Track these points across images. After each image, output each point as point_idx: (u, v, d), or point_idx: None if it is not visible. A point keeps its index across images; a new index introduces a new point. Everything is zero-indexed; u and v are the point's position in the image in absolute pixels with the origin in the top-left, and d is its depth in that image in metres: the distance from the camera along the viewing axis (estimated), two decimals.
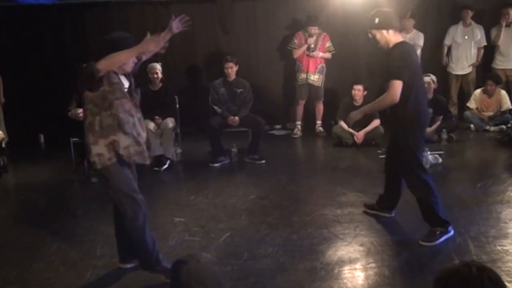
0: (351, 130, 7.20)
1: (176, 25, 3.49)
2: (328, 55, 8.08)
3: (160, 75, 6.95)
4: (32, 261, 4.05)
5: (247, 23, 8.79)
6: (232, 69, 6.96)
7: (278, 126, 8.93)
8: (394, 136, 4.36)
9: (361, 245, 4.12)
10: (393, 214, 4.68)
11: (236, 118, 6.83)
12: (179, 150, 7.12)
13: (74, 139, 6.33)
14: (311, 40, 7.92)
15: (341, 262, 3.83)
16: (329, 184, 5.84)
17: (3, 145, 6.98)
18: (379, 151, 6.74)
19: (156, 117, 6.80)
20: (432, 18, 8.82)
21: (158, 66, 7.00)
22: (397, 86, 4.00)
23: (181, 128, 7.20)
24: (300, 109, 8.31)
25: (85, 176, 6.34)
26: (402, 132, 4.17)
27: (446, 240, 4.11)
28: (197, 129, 8.35)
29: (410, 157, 4.15)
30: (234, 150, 6.85)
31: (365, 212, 4.77)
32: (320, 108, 8.31)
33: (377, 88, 8.54)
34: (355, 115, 4.48)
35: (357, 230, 4.41)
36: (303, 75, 8.08)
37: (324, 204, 5.12)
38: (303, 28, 8.08)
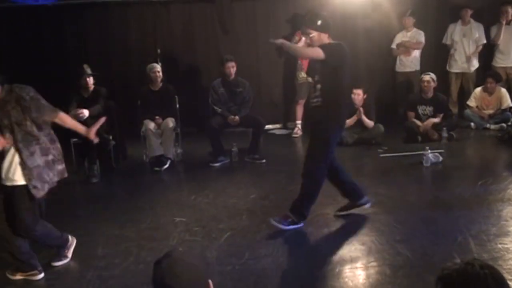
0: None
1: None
2: None
3: (160, 75, 6.96)
4: None
5: (246, 23, 8.78)
6: (233, 69, 6.97)
7: (278, 126, 8.93)
8: (314, 130, 4.56)
9: (362, 244, 4.12)
10: (368, 205, 4.71)
11: (236, 117, 6.83)
12: (179, 150, 7.12)
13: (74, 140, 6.33)
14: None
15: (342, 261, 3.83)
16: (329, 183, 5.81)
17: None
18: (379, 150, 6.74)
19: (157, 117, 6.81)
20: (432, 17, 8.81)
21: (158, 66, 6.99)
22: (317, 52, 4.20)
23: (181, 128, 7.20)
24: (300, 109, 8.29)
25: (85, 177, 6.34)
26: (324, 123, 4.34)
27: (294, 229, 4.40)
28: (197, 129, 8.34)
29: (323, 149, 4.37)
30: (234, 150, 6.84)
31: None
32: None
33: (377, 87, 8.58)
34: (276, 43, 4.68)
35: (358, 229, 4.41)
36: (303, 74, 8.06)
37: (325, 203, 5.09)
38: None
